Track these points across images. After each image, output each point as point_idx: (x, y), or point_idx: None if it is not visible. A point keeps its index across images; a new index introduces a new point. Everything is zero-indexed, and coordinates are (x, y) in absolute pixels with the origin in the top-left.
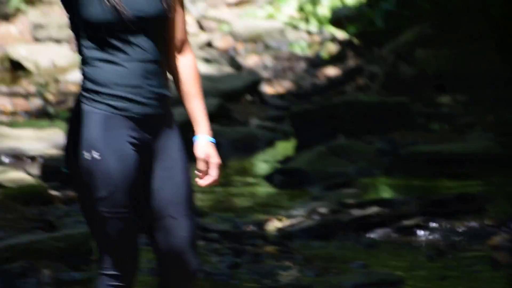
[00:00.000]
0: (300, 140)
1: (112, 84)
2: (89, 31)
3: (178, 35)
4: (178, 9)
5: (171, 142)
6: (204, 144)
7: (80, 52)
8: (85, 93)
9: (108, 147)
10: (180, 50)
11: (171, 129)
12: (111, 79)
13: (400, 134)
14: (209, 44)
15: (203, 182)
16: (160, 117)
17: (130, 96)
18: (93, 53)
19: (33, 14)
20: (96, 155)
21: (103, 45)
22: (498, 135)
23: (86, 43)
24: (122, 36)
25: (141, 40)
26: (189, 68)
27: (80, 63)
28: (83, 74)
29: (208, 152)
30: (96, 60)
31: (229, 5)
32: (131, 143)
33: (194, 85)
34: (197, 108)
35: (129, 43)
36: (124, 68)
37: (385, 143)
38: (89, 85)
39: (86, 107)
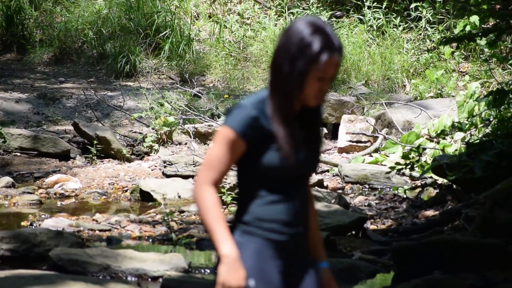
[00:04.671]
0: (399, 273)
1: (273, 220)
2: (263, 175)
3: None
4: None
5: (308, 269)
6: (328, 270)
7: (243, 188)
8: (244, 226)
9: (262, 278)
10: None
11: (309, 256)
12: (274, 215)
13: (494, 273)
14: (320, 184)
15: None
16: (303, 247)
17: (285, 230)
18: (261, 192)
19: (163, 152)
20: (252, 283)
21: (272, 187)
22: None
23: (255, 183)
24: (289, 181)
25: (303, 183)
26: (312, 205)
27: (241, 198)
28: (245, 208)
29: (331, 277)
30: (261, 197)
31: (341, 149)
32: (280, 273)
33: (315, 219)
34: (318, 238)
35: (292, 187)
36: (287, 206)
37: (479, 280)
38: (250, 219)
39: (244, 238)
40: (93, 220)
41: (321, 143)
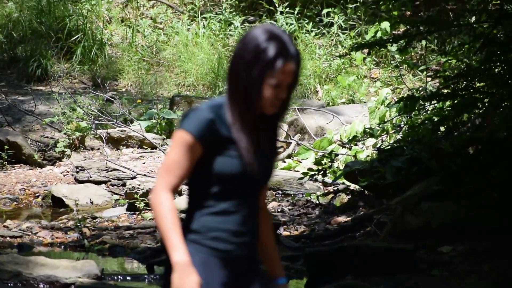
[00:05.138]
0: (312, 279)
1: (221, 229)
2: (215, 182)
3: (263, 192)
4: None
5: (257, 281)
6: (285, 286)
7: (193, 195)
8: (191, 235)
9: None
10: (262, 204)
11: (259, 271)
12: (222, 225)
13: (405, 278)
14: None
15: None
16: (252, 259)
17: (232, 240)
18: (210, 199)
19: (75, 158)
20: None
21: (223, 195)
22: (492, 283)
23: (205, 190)
24: (242, 190)
25: (256, 193)
26: (268, 218)
27: (190, 205)
28: (193, 216)
29: None
30: (209, 206)
31: None
32: (225, 283)
33: (271, 232)
34: (274, 253)
35: (247, 194)
36: (237, 216)
37: (389, 284)
38: (198, 228)
39: (191, 247)
40: (4, 226)
41: (276, 153)
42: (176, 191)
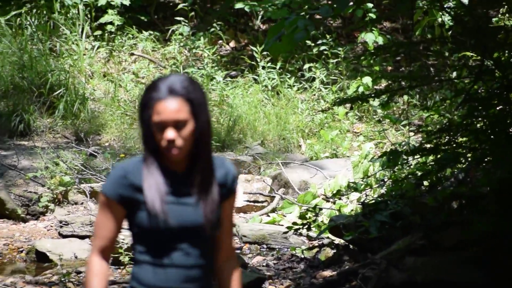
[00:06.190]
0: None
1: (149, 286)
2: (140, 235)
3: (228, 242)
4: (228, 219)
5: None
6: None
7: (133, 252)
8: None
9: None
10: (228, 255)
11: None
12: (152, 281)
13: None
14: None
15: None
16: None
17: None
18: (141, 255)
19: (59, 212)
20: None
21: (150, 249)
22: None
23: (136, 245)
24: (168, 242)
25: (186, 247)
26: (236, 272)
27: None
28: (131, 273)
29: None
30: (143, 262)
31: (238, 209)
32: None
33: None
34: None
35: (174, 249)
36: (165, 271)
37: None
38: (134, 284)
39: None
40: None
41: (215, 203)
42: (107, 252)
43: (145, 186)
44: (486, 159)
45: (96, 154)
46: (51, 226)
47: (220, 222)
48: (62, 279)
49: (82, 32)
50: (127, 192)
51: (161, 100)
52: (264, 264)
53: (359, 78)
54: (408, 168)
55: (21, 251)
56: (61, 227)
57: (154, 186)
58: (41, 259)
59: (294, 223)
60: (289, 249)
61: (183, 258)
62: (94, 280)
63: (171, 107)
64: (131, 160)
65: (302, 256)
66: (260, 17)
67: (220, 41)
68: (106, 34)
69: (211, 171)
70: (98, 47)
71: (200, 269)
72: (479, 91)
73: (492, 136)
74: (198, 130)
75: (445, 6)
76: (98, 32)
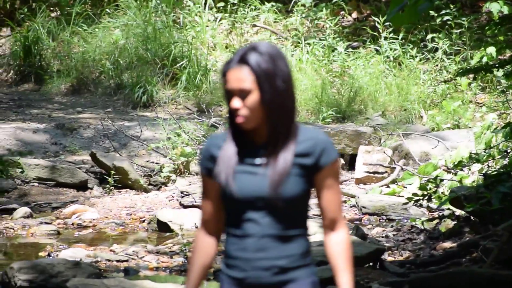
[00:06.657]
0: None
1: (232, 257)
2: (224, 207)
3: (328, 214)
4: (327, 190)
5: None
6: None
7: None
8: (222, 263)
9: None
10: (331, 228)
11: None
12: (233, 252)
13: None
14: None
15: None
16: (276, 286)
17: (244, 267)
18: (227, 227)
19: (180, 183)
20: None
21: (230, 220)
22: None
23: (226, 218)
24: (240, 212)
25: (257, 216)
26: (339, 245)
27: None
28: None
29: None
30: (228, 234)
31: (358, 180)
32: None
33: (343, 261)
34: (345, 282)
35: (246, 219)
36: (241, 241)
37: None
38: (224, 255)
39: (221, 276)
40: (111, 250)
41: (285, 174)
42: (211, 226)
43: (219, 158)
44: None
45: (217, 125)
46: (173, 197)
47: (306, 193)
48: (183, 249)
49: (205, 3)
50: (210, 164)
51: (230, 69)
52: (383, 235)
53: (483, 48)
54: None
55: (143, 221)
56: (182, 197)
57: (225, 157)
58: (163, 228)
59: (414, 194)
60: (408, 220)
61: (254, 227)
62: (195, 257)
63: (236, 76)
64: (223, 132)
65: (422, 228)
66: None
67: (342, 12)
68: (229, 6)
69: (284, 142)
70: (221, 19)
71: (272, 239)
72: None
73: None
74: (266, 101)
75: None
76: (221, 4)
